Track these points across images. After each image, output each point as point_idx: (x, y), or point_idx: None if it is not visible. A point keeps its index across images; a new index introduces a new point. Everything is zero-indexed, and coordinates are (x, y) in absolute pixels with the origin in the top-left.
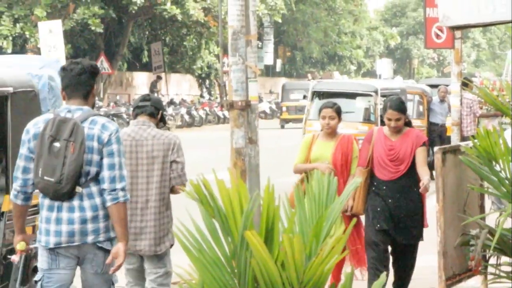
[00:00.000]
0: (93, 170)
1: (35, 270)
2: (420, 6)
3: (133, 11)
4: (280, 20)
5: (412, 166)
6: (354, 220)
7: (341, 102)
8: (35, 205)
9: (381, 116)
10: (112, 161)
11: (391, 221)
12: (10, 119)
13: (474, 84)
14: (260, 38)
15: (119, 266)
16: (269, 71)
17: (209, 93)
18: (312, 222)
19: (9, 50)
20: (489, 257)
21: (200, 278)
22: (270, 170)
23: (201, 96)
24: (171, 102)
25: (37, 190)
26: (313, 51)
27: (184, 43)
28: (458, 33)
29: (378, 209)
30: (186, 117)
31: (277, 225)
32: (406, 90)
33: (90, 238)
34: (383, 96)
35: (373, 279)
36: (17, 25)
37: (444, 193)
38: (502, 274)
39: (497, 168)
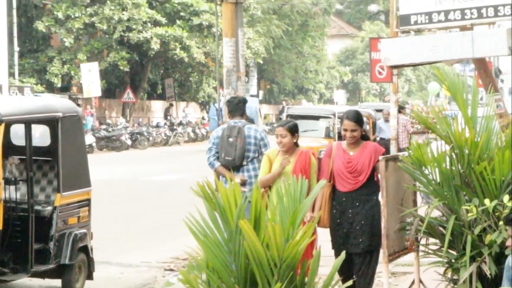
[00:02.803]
0: (250, 155)
1: (80, 249)
2: (366, 51)
3: (151, 55)
4: (261, 61)
5: (372, 177)
6: (320, 213)
7: (308, 123)
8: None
9: (339, 133)
10: (266, 149)
11: (348, 234)
12: (60, 136)
13: (408, 109)
14: (247, 74)
15: None
16: None
17: (209, 116)
18: (289, 213)
19: (59, 85)
20: (420, 239)
21: (205, 256)
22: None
23: (203, 118)
24: (180, 123)
25: None
26: (287, 84)
27: (190, 78)
28: (395, 71)
29: (335, 225)
30: (192, 134)
31: (263, 216)
32: None
33: None
34: (339, 118)
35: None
36: (65, 66)
37: (387, 191)
38: (429, 251)
39: (426, 172)
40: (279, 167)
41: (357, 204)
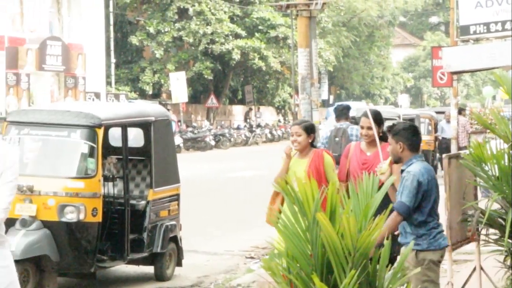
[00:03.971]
0: None
1: (170, 239)
2: (428, 58)
3: (233, 64)
4: (332, 69)
5: None
6: (391, 205)
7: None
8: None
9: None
10: None
11: None
12: (153, 138)
13: (468, 110)
14: (319, 81)
15: None
16: (324, 104)
17: (284, 119)
18: (362, 206)
19: (150, 92)
20: (481, 229)
21: (285, 245)
22: None
23: (279, 121)
24: (259, 125)
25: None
26: (355, 90)
27: (267, 85)
28: (455, 77)
29: None
30: (269, 135)
31: (338, 209)
32: (420, 115)
33: None
34: (404, 119)
35: None
36: (155, 75)
37: (450, 186)
38: (490, 240)
39: (486, 168)
40: (284, 159)
41: None
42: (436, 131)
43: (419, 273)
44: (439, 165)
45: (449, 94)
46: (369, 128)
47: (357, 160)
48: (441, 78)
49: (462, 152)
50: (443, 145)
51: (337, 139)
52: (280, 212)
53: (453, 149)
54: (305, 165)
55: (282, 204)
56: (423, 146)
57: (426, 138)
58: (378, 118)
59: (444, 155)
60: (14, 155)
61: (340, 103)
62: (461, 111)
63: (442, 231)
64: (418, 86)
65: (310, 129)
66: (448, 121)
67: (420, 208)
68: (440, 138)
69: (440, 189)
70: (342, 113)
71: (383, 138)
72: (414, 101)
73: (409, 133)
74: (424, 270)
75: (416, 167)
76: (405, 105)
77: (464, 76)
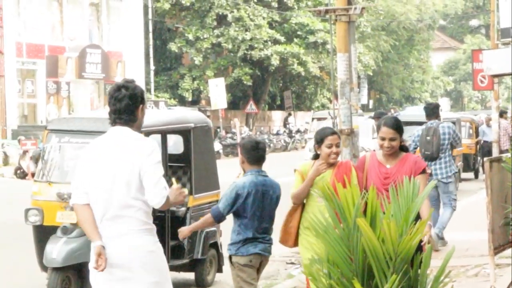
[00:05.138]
0: (444, 148)
1: (211, 246)
2: (468, 62)
3: (272, 70)
4: (371, 73)
5: None
6: (432, 209)
7: (415, 128)
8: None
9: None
10: (459, 141)
11: None
12: (193, 145)
13: (510, 113)
14: (358, 85)
15: None
16: (364, 108)
17: None
18: (403, 211)
19: (190, 99)
20: None
21: (326, 250)
22: None
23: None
24: (298, 131)
25: None
26: (394, 94)
27: (306, 90)
28: (496, 79)
29: None
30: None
31: (379, 214)
32: (460, 119)
33: None
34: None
35: None
36: (195, 82)
37: (492, 189)
38: None
39: None
40: (313, 173)
41: None
42: (477, 134)
43: (233, 274)
44: (480, 169)
45: (490, 97)
46: (392, 139)
47: (377, 174)
48: (481, 81)
49: (503, 155)
50: (485, 149)
51: (428, 138)
52: (297, 232)
53: (495, 152)
54: (329, 176)
55: (299, 223)
56: (464, 150)
57: (467, 142)
58: (399, 126)
59: (485, 159)
60: (150, 142)
61: (430, 102)
62: (502, 114)
63: (258, 242)
64: (458, 90)
65: None
66: (488, 125)
67: (239, 218)
68: (482, 142)
69: (482, 193)
70: (432, 111)
71: (403, 149)
72: (454, 104)
73: (248, 148)
74: (237, 271)
75: (241, 180)
76: (445, 108)
77: (505, 78)
